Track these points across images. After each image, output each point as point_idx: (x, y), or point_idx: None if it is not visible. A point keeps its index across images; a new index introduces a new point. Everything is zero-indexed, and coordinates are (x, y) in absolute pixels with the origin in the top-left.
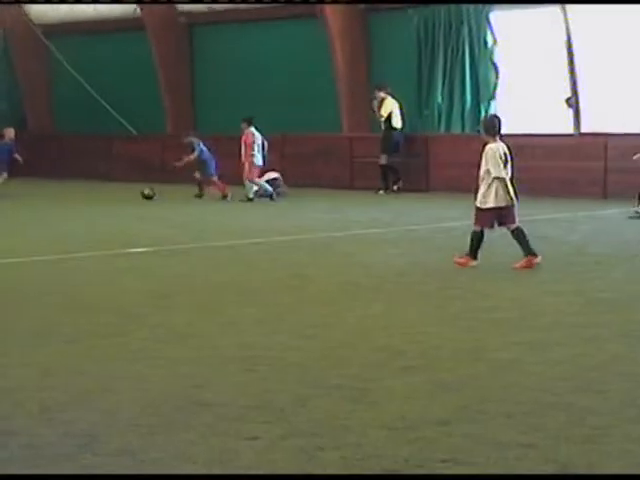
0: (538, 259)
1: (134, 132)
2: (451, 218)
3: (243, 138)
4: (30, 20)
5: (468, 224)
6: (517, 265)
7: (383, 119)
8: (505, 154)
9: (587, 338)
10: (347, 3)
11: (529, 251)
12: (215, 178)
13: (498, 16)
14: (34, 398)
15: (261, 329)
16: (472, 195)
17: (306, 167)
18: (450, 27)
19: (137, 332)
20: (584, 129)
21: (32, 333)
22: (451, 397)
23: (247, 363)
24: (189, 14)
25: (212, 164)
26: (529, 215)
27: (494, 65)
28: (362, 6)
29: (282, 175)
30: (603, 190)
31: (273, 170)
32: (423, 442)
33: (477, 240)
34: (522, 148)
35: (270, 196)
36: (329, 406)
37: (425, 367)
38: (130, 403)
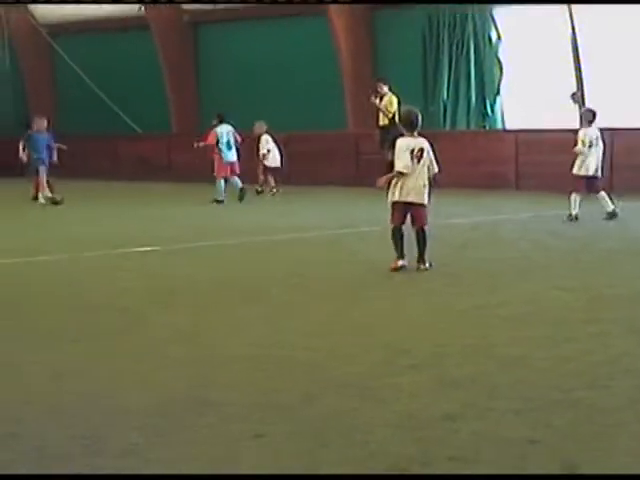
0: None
1: (139, 131)
2: (457, 214)
3: (208, 138)
4: (35, 20)
5: (475, 220)
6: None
7: (390, 115)
8: (421, 149)
9: (595, 334)
10: (352, 3)
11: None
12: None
13: (503, 12)
14: (40, 399)
15: (267, 327)
16: (479, 191)
17: (312, 165)
18: (455, 24)
19: (142, 331)
20: None
21: (37, 333)
22: (458, 394)
23: (253, 362)
24: (193, 12)
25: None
26: (536, 210)
27: (499, 61)
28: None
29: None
30: (609, 185)
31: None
32: (430, 440)
33: (395, 237)
34: (528, 143)
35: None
36: (336, 404)
37: (432, 364)
38: (136, 403)
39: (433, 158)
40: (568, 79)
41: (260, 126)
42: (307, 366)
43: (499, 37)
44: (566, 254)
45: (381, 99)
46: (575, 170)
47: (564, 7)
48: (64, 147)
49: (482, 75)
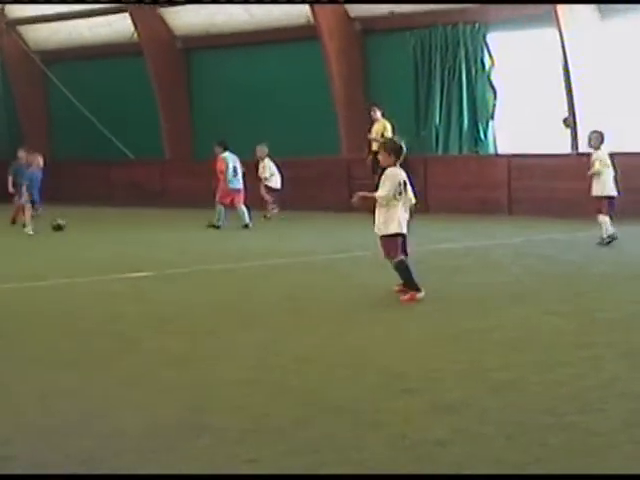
0: (421, 294)
1: (132, 157)
2: (449, 239)
3: (217, 164)
4: (27, 47)
5: (467, 245)
6: (403, 297)
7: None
8: (405, 181)
9: (588, 358)
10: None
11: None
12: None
13: (495, 37)
14: (32, 422)
15: (260, 352)
16: (471, 216)
17: (306, 190)
18: (447, 48)
19: (135, 356)
20: (582, 149)
21: (30, 358)
22: (451, 418)
23: (247, 386)
24: (186, 39)
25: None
26: (528, 235)
27: (492, 86)
28: (359, 27)
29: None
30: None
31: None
32: (424, 461)
33: (405, 268)
34: (521, 168)
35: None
36: (329, 427)
37: (425, 388)
38: (128, 427)
39: (410, 189)
40: (560, 104)
41: (261, 149)
42: (300, 390)
43: (492, 62)
44: (558, 279)
45: (371, 125)
46: (596, 192)
47: (555, 31)
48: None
49: (474, 99)
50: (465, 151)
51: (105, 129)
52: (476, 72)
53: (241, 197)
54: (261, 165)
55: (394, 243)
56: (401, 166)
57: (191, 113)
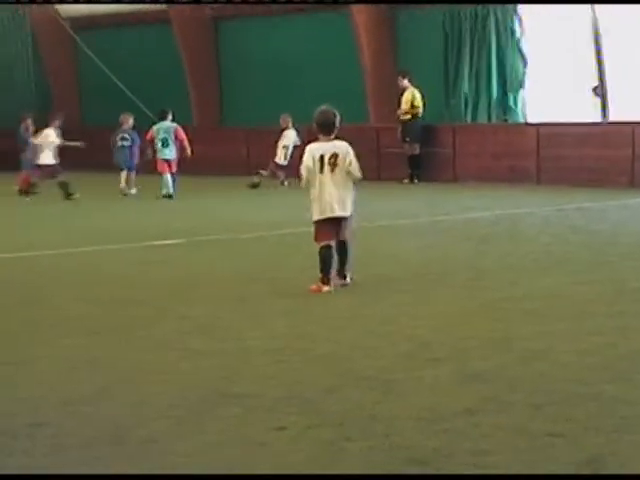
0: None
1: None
2: (479, 208)
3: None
4: (58, 13)
5: (496, 214)
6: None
7: (416, 110)
8: (334, 155)
9: (618, 327)
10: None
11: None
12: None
13: (525, 5)
14: (59, 391)
15: (290, 320)
16: (500, 185)
17: None
18: (477, 17)
19: (162, 324)
20: (612, 117)
21: (56, 326)
22: (479, 388)
23: (276, 354)
24: (215, 8)
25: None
26: (558, 204)
27: (522, 54)
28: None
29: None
30: (631, 179)
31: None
32: (451, 433)
33: (324, 259)
34: (550, 137)
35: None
36: (358, 397)
37: (453, 358)
38: (155, 395)
39: (355, 162)
40: (590, 72)
41: (284, 119)
42: (330, 359)
43: (522, 30)
44: (588, 248)
45: (402, 93)
46: None
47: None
48: (80, 144)
49: (504, 68)
50: (494, 120)
51: (134, 96)
52: (506, 40)
53: (171, 167)
54: (284, 134)
55: (316, 229)
56: (431, 134)
57: (219, 81)
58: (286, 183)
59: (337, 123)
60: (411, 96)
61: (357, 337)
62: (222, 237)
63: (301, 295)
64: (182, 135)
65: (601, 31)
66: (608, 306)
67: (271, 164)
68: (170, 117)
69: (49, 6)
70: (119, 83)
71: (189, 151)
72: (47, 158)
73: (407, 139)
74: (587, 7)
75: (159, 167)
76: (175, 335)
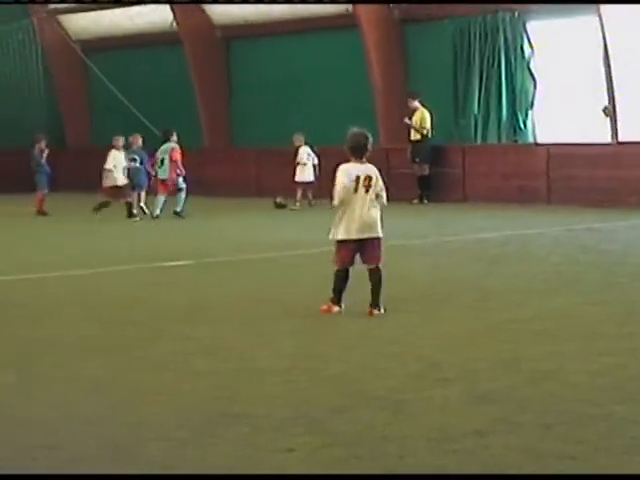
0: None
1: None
2: (489, 228)
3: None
4: (69, 37)
5: (506, 234)
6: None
7: (425, 131)
8: (369, 177)
9: (628, 348)
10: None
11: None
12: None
13: (535, 25)
14: (62, 409)
15: (299, 340)
16: (510, 205)
17: None
18: (486, 36)
19: (166, 344)
20: (621, 138)
21: (61, 346)
22: (489, 408)
23: (284, 374)
24: (226, 28)
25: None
26: (568, 225)
27: (531, 74)
28: (398, 16)
29: (317, 187)
30: None
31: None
32: (461, 453)
33: (339, 280)
34: (560, 157)
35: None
36: (368, 417)
37: (463, 378)
38: (158, 416)
39: (383, 188)
40: (600, 93)
41: (298, 138)
42: (339, 379)
43: (532, 50)
44: (598, 268)
45: (412, 114)
46: None
47: (596, 19)
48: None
49: (514, 88)
50: (504, 140)
51: (144, 118)
52: (515, 60)
53: (166, 187)
54: (299, 152)
55: (338, 250)
56: (441, 154)
57: (229, 102)
58: (297, 205)
59: (369, 146)
60: (420, 116)
61: (366, 357)
62: (232, 258)
63: (310, 316)
64: (175, 156)
65: (611, 51)
66: (618, 327)
67: (298, 192)
68: (174, 138)
69: (60, 29)
70: (129, 104)
71: (175, 173)
72: (120, 179)
73: (417, 160)
74: (597, 27)
75: (158, 188)
76: (179, 356)
